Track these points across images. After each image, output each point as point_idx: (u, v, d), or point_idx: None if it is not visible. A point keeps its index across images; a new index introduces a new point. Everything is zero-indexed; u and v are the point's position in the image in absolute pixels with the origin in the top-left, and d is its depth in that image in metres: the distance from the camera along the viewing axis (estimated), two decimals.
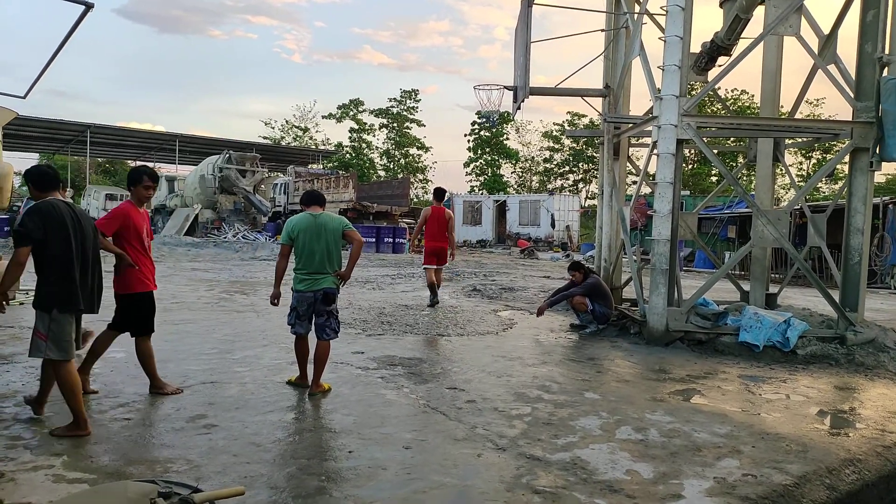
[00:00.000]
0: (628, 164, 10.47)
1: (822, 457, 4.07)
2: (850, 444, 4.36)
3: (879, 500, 4.00)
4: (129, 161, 53.53)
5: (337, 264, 5.20)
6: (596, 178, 43.23)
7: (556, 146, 53.29)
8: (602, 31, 10.34)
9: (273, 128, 56.83)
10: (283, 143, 52.73)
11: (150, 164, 49.57)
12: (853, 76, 7.72)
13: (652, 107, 8.09)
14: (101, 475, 3.37)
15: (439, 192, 10.68)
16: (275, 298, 5.27)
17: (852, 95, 7.63)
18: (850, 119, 7.68)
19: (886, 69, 7.32)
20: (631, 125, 9.34)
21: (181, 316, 8.48)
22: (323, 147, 53.47)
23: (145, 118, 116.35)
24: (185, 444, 3.86)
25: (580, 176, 53.08)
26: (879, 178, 28.25)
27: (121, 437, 3.95)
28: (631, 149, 10.53)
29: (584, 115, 48.82)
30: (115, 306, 4.95)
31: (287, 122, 57.37)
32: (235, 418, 4.39)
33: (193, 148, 39.84)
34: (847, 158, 7.79)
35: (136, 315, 4.93)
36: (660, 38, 7.63)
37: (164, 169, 42.71)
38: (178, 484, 2.33)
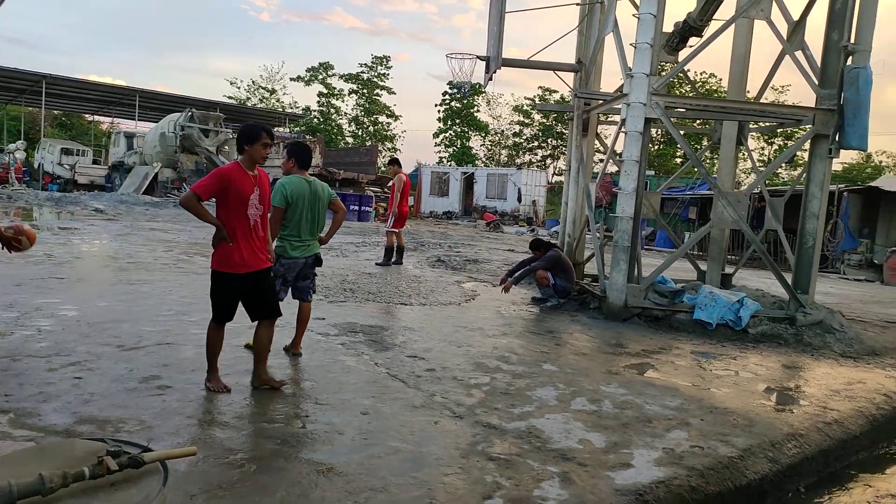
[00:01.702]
0: (596, 141, 10.52)
1: (767, 431, 4.22)
2: (794, 419, 4.54)
3: (817, 472, 4.19)
4: (87, 115, 51.68)
5: (321, 230, 5.23)
6: (564, 154, 43.43)
7: (526, 121, 53.24)
8: (577, 4, 10.29)
9: (239, 88, 55.38)
10: (249, 104, 51.44)
11: (109, 120, 48.10)
12: (819, 63, 7.85)
13: (622, 84, 8.11)
14: (50, 434, 3.30)
15: (398, 161, 11.89)
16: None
17: (817, 82, 7.77)
18: (814, 106, 7.83)
19: (851, 58, 7.45)
20: (601, 102, 9.37)
21: (137, 276, 8.29)
22: (290, 110, 52.35)
23: (106, 71, 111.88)
24: (137, 405, 3.80)
25: (549, 152, 53.22)
26: (836, 166, 29.04)
27: (71, 396, 3.86)
28: (600, 126, 10.59)
29: (555, 91, 48.80)
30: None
31: (253, 82, 55.95)
32: (190, 380, 4.33)
33: (154, 104, 38.55)
34: (808, 145, 7.96)
35: (221, 298, 4.25)
36: (633, 15, 7.62)
37: (123, 125, 41.30)
38: (127, 443, 2.28)
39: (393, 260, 11.25)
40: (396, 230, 11.12)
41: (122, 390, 4.04)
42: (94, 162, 36.51)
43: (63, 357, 4.62)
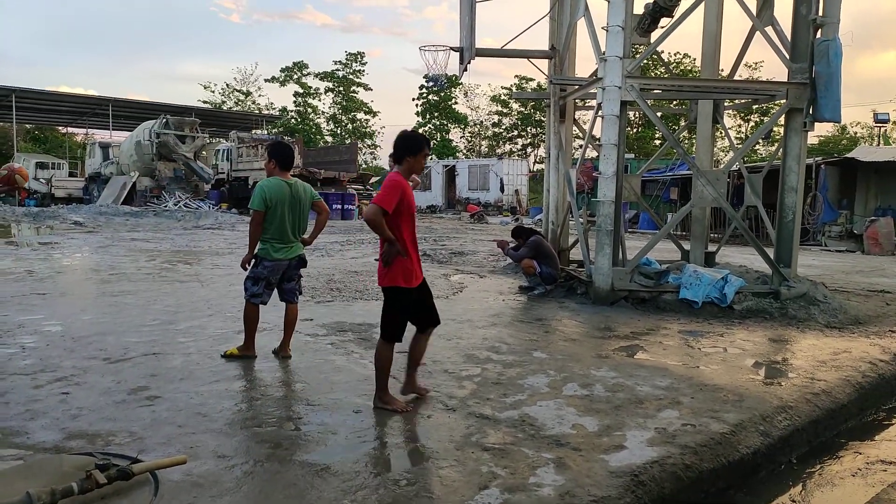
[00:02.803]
0: (575, 127, 10.54)
1: (757, 405, 4.26)
2: (783, 392, 4.58)
3: (808, 443, 4.24)
4: (61, 127, 50.92)
5: (303, 231, 5.24)
6: (544, 142, 43.53)
7: (505, 111, 53.31)
8: None
9: (213, 91, 54.86)
10: (225, 108, 50.97)
11: (83, 131, 47.43)
12: (789, 38, 7.91)
13: (597, 69, 8.12)
14: (39, 451, 3.25)
15: None
16: (247, 263, 5.05)
17: (788, 57, 7.83)
18: (786, 80, 7.88)
19: (820, 31, 7.51)
20: (577, 87, 9.38)
21: (120, 287, 8.20)
22: (267, 112, 51.93)
23: (76, 82, 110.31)
24: (127, 417, 3.76)
25: (528, 140, 53.36)
26: (812, 139, 29.34)
27: (59, 412, 3.81)
28: (577, 112, 10.60)
29: (531, 79, 48.90)
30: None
31: (228, 85, 55.49)
32: (180, 389, 4.29)
33: (128, 113, 38.10)
34: (783, 119, 8.03)
35: (403, 314, 4.11)
36: None
37: (98, 136, 40.76)
38: (116, 455, 2.26)
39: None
40: None
41: (111, 403, 3.99)
42: (71, 174, 36.05)
43: (49, 373, 4.56)
